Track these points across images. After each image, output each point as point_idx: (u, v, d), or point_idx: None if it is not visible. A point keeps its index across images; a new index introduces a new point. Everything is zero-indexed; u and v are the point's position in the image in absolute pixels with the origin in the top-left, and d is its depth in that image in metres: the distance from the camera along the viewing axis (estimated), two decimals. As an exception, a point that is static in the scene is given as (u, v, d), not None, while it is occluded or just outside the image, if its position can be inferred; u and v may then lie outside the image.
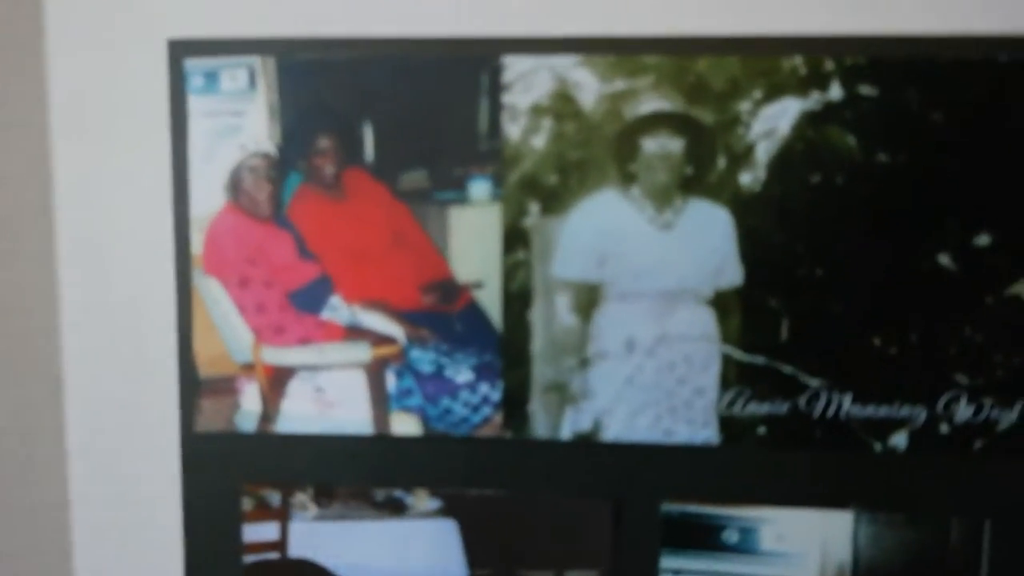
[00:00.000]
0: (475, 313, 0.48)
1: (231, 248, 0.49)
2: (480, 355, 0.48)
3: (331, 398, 0.49)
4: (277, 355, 0.49)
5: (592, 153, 0.47)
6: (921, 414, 0.46)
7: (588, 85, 0.46)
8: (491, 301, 0.48)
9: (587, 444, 0.48)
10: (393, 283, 0.49)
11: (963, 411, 0.46)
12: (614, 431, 0.48)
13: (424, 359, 0.49)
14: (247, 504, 0.50)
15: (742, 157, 0.46)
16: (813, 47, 0.45)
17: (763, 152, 0.46)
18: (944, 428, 0.46)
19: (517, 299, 0.48)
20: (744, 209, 0.46)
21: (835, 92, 0.45)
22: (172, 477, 0.50)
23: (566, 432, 0.48)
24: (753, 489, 0.48)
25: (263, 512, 0.50)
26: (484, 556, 0.49)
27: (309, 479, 0.50)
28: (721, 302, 0.47)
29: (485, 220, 0.48)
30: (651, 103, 0.46)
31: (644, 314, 0.47)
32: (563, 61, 0.46)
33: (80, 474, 0.51)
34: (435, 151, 0.48)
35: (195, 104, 0.48)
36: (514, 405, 0.48)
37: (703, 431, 0.48)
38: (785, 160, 0.46)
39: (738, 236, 0.47)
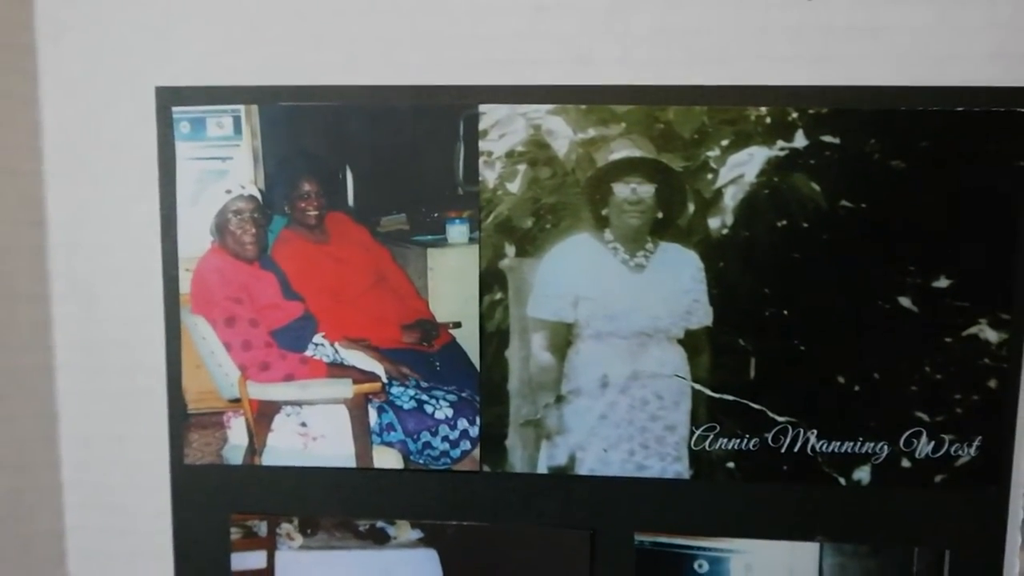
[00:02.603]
0: (454, 351, 0.50)
1: (218, 288, 0.51)
2: (459, 392, 0.50)
3: (315, 432, 0.51)
4: (263, 391, 0.51)
5: (566, 198, 0.49)
6: (884, 449, 0.48)
7: (561, 132, 0.48)
8: (469, 340, 0.50)
9: (563, 477, 0.50)
10: (375, 322, 0.50)
11: (924, 446, 0.48)
12: (589, 465, 0.50)
13: (405, 395, 0.51)
14: (235, 533, 0.52)
15: (710, 202, 0.48)
16: (778, 98, 0.47)
17: (730, 197, 0.48)
18: (906, 463, 0.48)
19: (494, 338, 0.50)
20: (713, 252, 0.48)
21: (799, 140, 0.47)
22: (163, 507, 0.52)
23: (542, 466, 0.50)
24: (723, 521, 0.49)
25: (250, 541, 0.52)
26: (463, 585, 0.51)
27: (295, 510, 0.52)
28: (691, 342, 0.49)
29: (463, 262, 0.49)
30: (622, 150, 0.48)
31: (617, 353, 0.49)
32: (537, 109, 0.48)
33: (75, 504, 0.53)
34: (414, 195, 0.49)
35: (182, 149, 0.50)
36: (492, 440, 0.50)
37: (675, 465, 0.49)
38: (752, 205, 0.48)
39: (707, 278, 0.48)
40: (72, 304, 0.52)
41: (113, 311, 0.51)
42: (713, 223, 0.48)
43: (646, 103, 0.47)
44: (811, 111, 0.47)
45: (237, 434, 0.51)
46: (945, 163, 0.46)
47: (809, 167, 0.47)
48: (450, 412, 0.50)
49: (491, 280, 0.49)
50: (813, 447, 0.48)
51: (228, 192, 0.50)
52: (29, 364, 0.52)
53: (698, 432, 0.49)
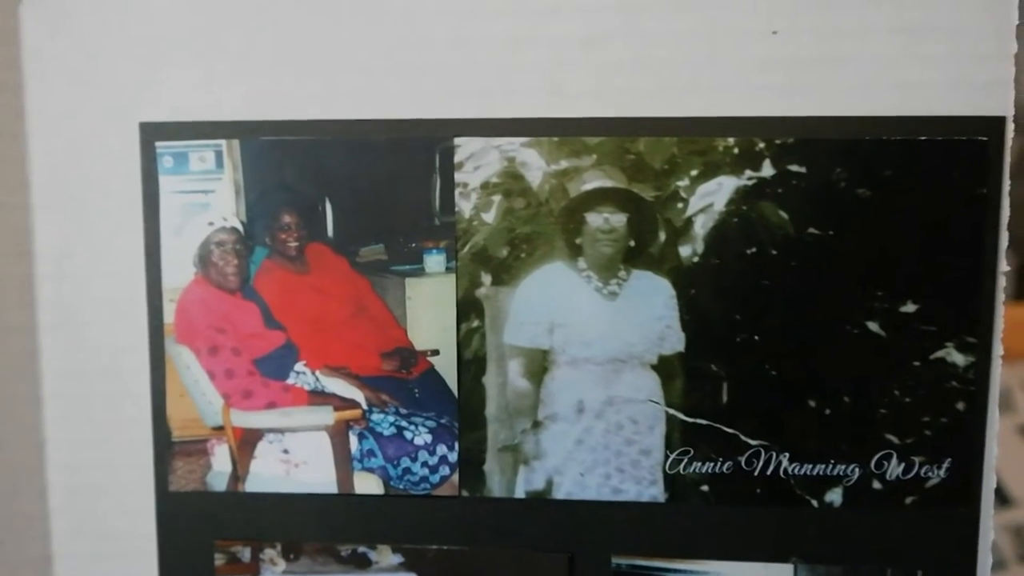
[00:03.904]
0: (432, 378, 0.51)
1: (201, 318, 0.52)
2: (438, 418, 0.51)
3: (297, 459, 0.52)
4: (246, 418, 0.52)
5: (540, 227, 0.50)
6: (855, 471, 0.49)
7: (535, 164, 0.49)
8: (447, 367, 0.51)
9: (540, 502, 0.51)
10: (355, 350, 0.51)
11: (894, 468, 0.49)
12: (566, 489, 0.51)
13: (385, 422, 0.52)
14: (219, 559, 0.52)
15: (681, 231, 0.49)
16: (745, 128, 0.48)
17: (700, 226, 0.49)
18: (877, 485, 0.49)
19: (472, 365, 0.51)
20: (684, 279, 0.49)
21: (767, 170, 0.48)
22: (148, 533, 0.53)
23: (520, 490, 0.51)
24: (698, 543, 0.50)
25: (234, 567, 0.53)
26: (444, 608, 0.52)
27: (277, 535, 0.52)
28: (664, 367, 0.50)
29: (440, 291, 0.50)
30: (594, 180, 0.49)
31: (592, 379, 0.50)
32: (511, 142, 0.49)
33: (62, 531, 0.54)
34: (392, 226, 0.51)
35: (166, 183, 0.51)
36: (470, 465, 0.51)
37: (650, 489, 0.50)
38: (721, 233, 0.49)
39: (679, 305, 0.49)
40: (59, 334, 0.53)
41: (99, 341, 0.53)
42: (684, 251, 0.49)
43: (617, 134, 0.48)
44: (778, 141, 0.48)
45: (221, 461, 0.52)
46: (910, 190, 0.47)
47: (777, 195, 0.48)
48: (429, 438, 0.51)
49: (468, 308, 0.50)
50: (785, 470, 0.49)
51: (210, 224, 0.51)
52: (17, 393, 0.53)
53: (672, 456, 0.50)
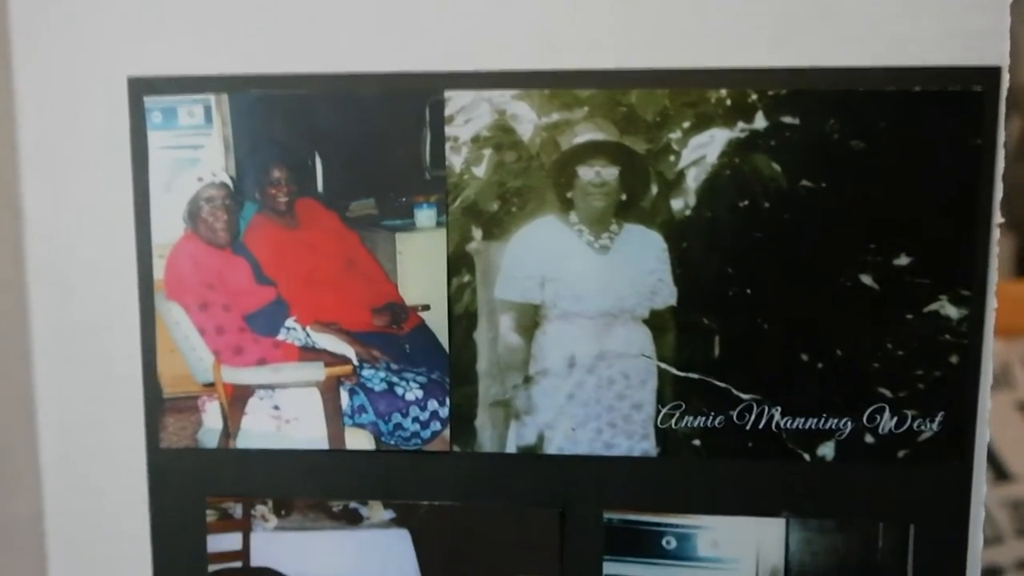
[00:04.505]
0: (423, 334, 0.51)
1: (191, 274, 0.52)
2: (429, 373, 0.51)
3: (288, 415, 0.52)
4: (236, 375, 0.52)
5: (531, 181, 0.49)
6: (847, 425, 0.49)
7: (526, 117, 0.49)
8: (438, 322, 0.50)
9: (531, 457, 0.51)
10: (345, 306, 0.51)
11: (887, 422, 0.49)
12: (557, 444, 0.50)
13: (376, 378, 0.51)
14: (210, 516, 0.52)
15: (673, 184, 0.49)
16: (738, 80, 0.47)
17: (693, 179, 0.48)
18: (869, 438, 0.49)
19: (463, 320, 0.50)
20: (676, 233, 0.49)
21: (759, 122, 0.48)
22: (140, 491, 0.53)
23: (511, 446, 0.51)
24: (690, 498, 0.50)
25: (226, 523, 0.52)
26: (436, 564, 0.51)
27: (269, 492, 0.52)
28: (656, 321, 0.49)
29: (431, 245, 0.50)
30: (586, 134, 0.49)
31: (584, 333, 0.50)
32: (502, 94, 0.49)
33: (54, 489, 0.54)
34: (382, 180, 0.50)
35: (154, 139, 0.51)
36: (462, 420, 0.51)
37: (641, 443, 0.50)
38: (714, 186, 0.48)
39: (671, 259, 0.49)
40: (49, 292, 0.53)
41: (89, 298, 0.52)
42: (676, 204, 0.49)
43: (608, 87, 0.48)
44: (771, 92, 0.47)
45: (212, 418, 0.52)
46: (904, 142, 0.47)
47: (769, 148, 0.48)
48: (420, 393, 0.51)
49: (459, 263, 0.50)
50: (777, 424, 0.49)
51: (200, 180, 0.51)
52: (7, 351, 0.53)
53: (664, 410, 0.50)
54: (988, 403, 0.48)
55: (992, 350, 0.48)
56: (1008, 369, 1.24)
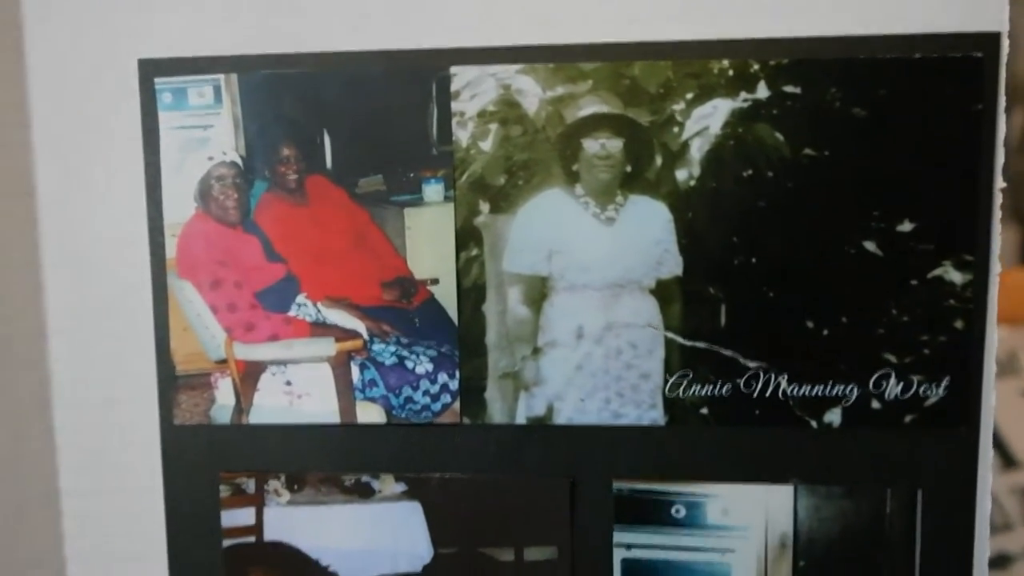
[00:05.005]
0: (433, 307, 0.51)
1: (202, 252, 0.52)
2: (438, 347, 0.51)
3: (300, 390, 0.52)
4: (248, 351, 0.52)
5: (537, 155, 0.50)
6: (853, 391, 0.49)
7: (531, 91, 0.49)
8: (447, 296, 0.51)
9: (541, 427, 0.51)
10: (355, 281, 0.52)
11: (893, 388, 0.49)
12: (566, 415, 0.51)
13: (386, 352, 0.52)
14: (224, 491, 0.53)
15: (677, 155, 0.49)
16: (739, 50, 0.48)
17: (697, 149, 0.49)
18: (876, 404, 0.49)
19: (471, 293, 0.51)
20: (681, 203, 0.49)
21: (762, 91, 0.48)
22: (154, 468, 0.53)
23: (521, 417, 0.51)
24: (698, 466, 0.50)
25: (239, 499, 0.53)
26: (448, 535, 0.52)
27: (281, 467, 0.53)
28: (663, 291, 0.50)
29: (439, 220, 0.51)
30: (590, 106, 0.49)
31: (591, 304, 0.50)
32: (507, 69, 0.49)
33: (68, 466, 0.54)
34: (390, 156, 0.51)
35: (165, 119, 0.52)
36: (471, 393, 0.51)
37: (650, 413, 0.50)
38: (718, 156, 0.49)
39: (676, 229, 0.49)
40: (62, 271, 0.53)
41: (102, 277, 0.53)
42: (681, 175, 0.49)
43: (612, 59, 0.49)
44: (772, 62, 0.48)
45: (224, 394, 0.53)
46: (905, 109, 0.47)
47: (772, 117, 0.48)
48: (430, 367, 0.51)
49: (467, 237, 0.51)
50: (784, 391, 0.50)
51: (210, 159, 0.52)
52: (23, 330, 0.54)
53: (672, 379, 0.50)
54: (993, 367, 0.49)
55: (996, 314, 0.48)
56: (1014, 356, 1.24)
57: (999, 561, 1.12)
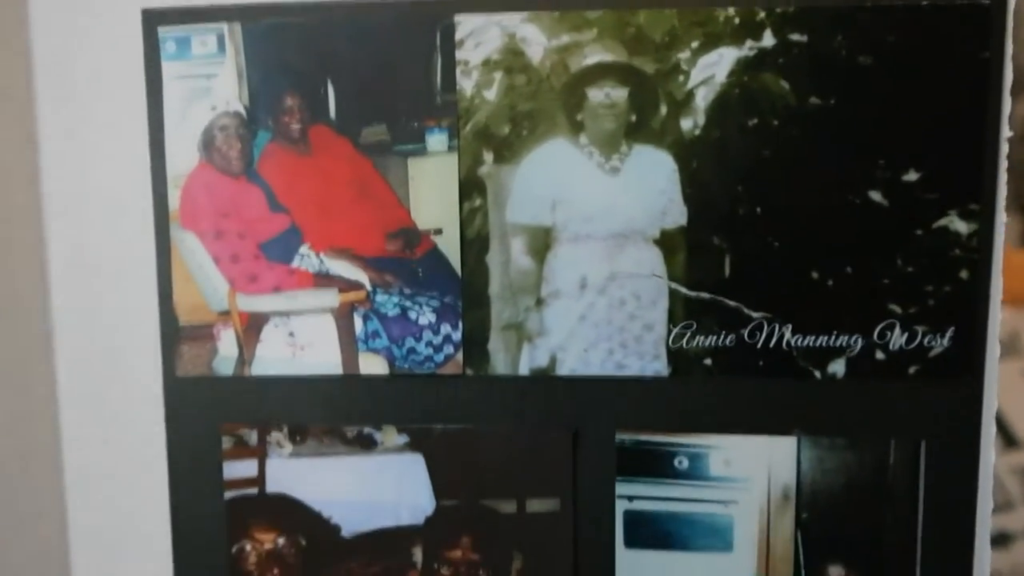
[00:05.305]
0: (436, 258, 0.51)
1: (206, 203, 0.52)
2: (441, 298, 0.51)
3: (303, 341, 0.52)
4: (251, 302, 0.52)
5: (541, 104, 0.50)
6: (858, 342, 0.49)
7: (535, 40, 0.49)
8: (451, 246, 0.51)
9: (544, 379, 0.51)
10: (358, 232, 0.52)
11: (897, 338, 0.49)
12: (569, 366, 0.51)
13: (389, 303, 0.52)
14: (226, 443, 0.53)
15: (682, 104, 0.49)
16: (745, -4, 0.48)
17: (702, 99, 0.49)
18: (880, 355, 0.49)
19: (475, 244, 0.51)
20: (686, 153, 0.49)
21: (767, 40, 0.48)
22: (156, 419, 0.53)
23: (524, 368, 0.51)
24: (701, 418, 0.50)
25: (241, 450, 0.53)
26: (450, 487, 0.52)
27: (284, 418, 0.53)
28: (667, 241, 0.50)
29: (443, 170, 0.50)
30: (595, 55, 0.49)
31: (595, 255, 0.50)
32: (511, 17, 0.49)
33: (71, 418, 0.54)
34: (394, 106, 0.51)
35: (168, 69, 0.52)
36: (474, 344, 0.51)
37: (653, 364, 0.50)
38: (723, 106, 0.49)
39: (681, 179, 0.49)
40: (65, 221, 0.53)
41: (105, 229, 0.53)
42: (685, 124, 0.49)
43: (616, 7, 0.48)
44: (778, 10, 0.48)
45: (227, 346, 0.53)
46: (911, 57, 0.47)
47: (778, 66, 0.48)
48: (433, 318, 0.51)
49: (470, 187, 0.50)
50: (788, 342, 0.49)
51: (213, 109, 0.52)
52: (23, 281, 0.54)
53: (675, 330, 0.50)
54: (998, 317, 0.48)
55: (1001, 264, 0.48)
56: (1016, 337, 1.24)
57: (1000, 540, 1.12)
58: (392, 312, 0.52)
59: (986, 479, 0.49)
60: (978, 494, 0.49)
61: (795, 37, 0.48)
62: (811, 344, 0.49)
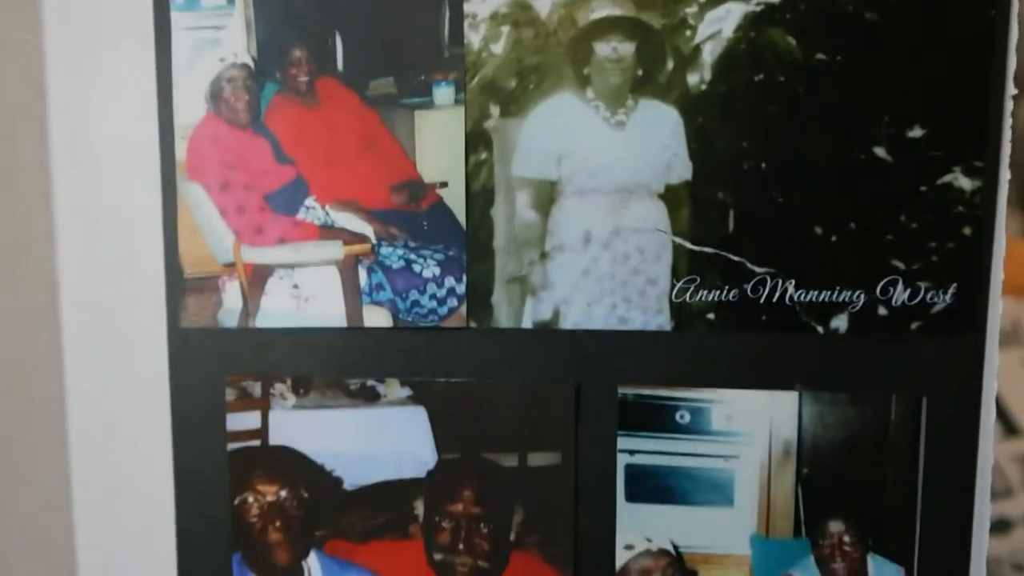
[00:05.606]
0: (441, 211, 0.51)
1: (213, 154, 0.52)
2: (446, 251, 0.51)
3: (307, 293, 0.52)
4: (256, 254, 0.53)
5: (548, 58, 0.50)
6: (860, 298, 0.49)
7: (543, -8, 0.49)
8: (456, 199, 0.51)
9: (547, 332, 0.51)
10: (364, 184, 0.52)
11: (900, 294, 0.49)
12: (573, 319, 0.51)
13: (393, 255, 0.52)
14: (230, 394, 0.53)
15: (689, 59, 0.49)
16: (753, -50, 0.48)
17: (708, 53, 0.49)
18: (882, 311, 0.49)
19: (480, 197, 0.51)
20: (692, 108, 0.49)
21: (774, -7, 0.48)
22: (160, 371, 0.53)
23: (527, 321, 0.51)
24: (704, 372, 0.51)
25: (245, 402, 0.53)
26: (452, 440, 0.52)
27: (287, 370, 0.53)
28: (671, 196, 0.50)
29: (449, 123, 0.51)
30: (602, 9, 0.49)
31: (599, 209, 0.50)
32: (519, -30, 0.49)
33: (75, 369, 0.55)
34: (401, 59, 0.51)
35: (177, 20, 0.52)
36: (478, 297, 0.51)
37: (656, 318, 0.50)
38: (729, 61, 0.49)
39: (686, 133, 0.49)
40: (72, 173, 0.53)
41: (112, 179, 0.53)
42: (692, 79, 0.49)
43: (625, -40, 0.49)
44: (786, -35, 0.48)
45: (232, 297, 0.53)
46: (918, 14, 0.47)
47: (785, 21, 0.48)
48: (437, 271, 0.51)
49: (476, 140, 0.51)
50: (791, 297, 0.50)
51: (222, 60, 0.52)
52: (30, 232, 0.54)
53: (679, 284, 0.50)
54: (1000, 274, 0.49)
55: (1005, 220, 0.48)
56: (1018, 326, 1.24)
57: (999, 526, 1.12)
58: (396, 265, 0.52)
59: (986, 434, 0.49)
60: (978, 449, 0.49)
61: (802, -8, 0.48)
62: (814, 299, 0.49)
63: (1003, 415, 1.20)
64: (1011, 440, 1.18)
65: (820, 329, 0.50)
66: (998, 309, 0.49)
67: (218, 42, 0.52)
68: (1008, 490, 1.15)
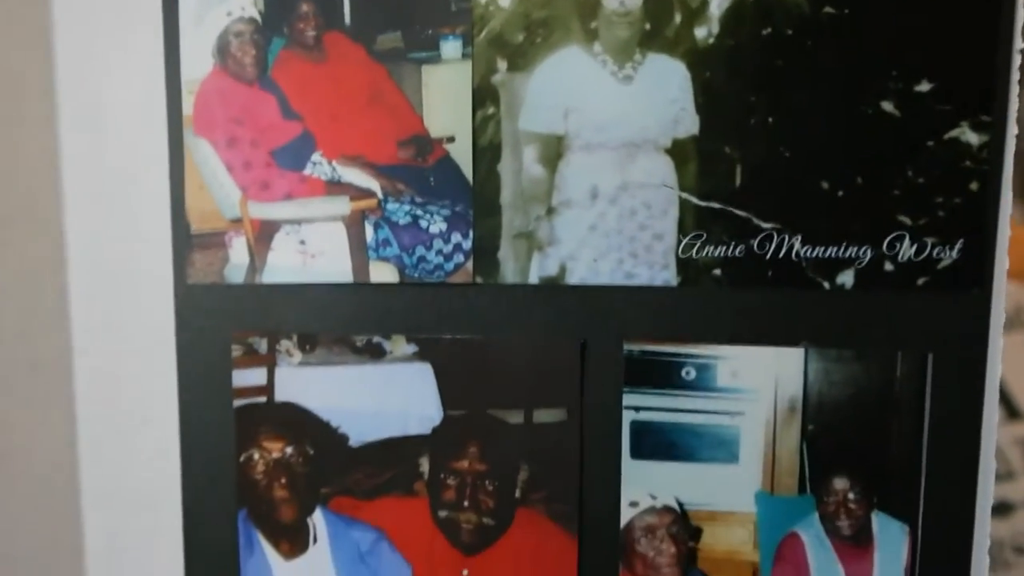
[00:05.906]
0: (448, 166, 0.51)
1: (219, 109, 0.52)
2: (452, 206, 0.51)
3: (314, 249, 0.52)
4: (263, 210, 0.53)
5: (556, 12, 0.50)
6: (867, 253, 0.49)
7: (551, -54, 0.49)
8: (463, 154, 0.51)
9: (553, 287, 0.51)
10: (371, 139, 0.52)
11: (906, 250, 0.49)
12: (579, 275, 0.51)
13: (400, 211, 0.52)
14: (236, 351, 0.53)
15: (696, 12, 0.49)
16: (761, -97, 0.48)
17: (716, 7, 0.49)
18: (888, 266, 0.49)
19: (487, 152, 0.51)
20: (699, 62, 0.49)
21: (783, -54, 0.48)
22: (167, 326, 0.53)
23: (534, 276, 0.51)
24: (709, 328, 0.51)
25: (251, 358, 0.53)
26: (458, 397, 0.52)
27: (293, 327, 0.53)
28: (678, 151, 0.50)
29: (456, 78, 0.51)
30: (610, -38, 0.49)
31: (606, 164, 0.50)
32: (527, -77, 0.49)
33: (81, 325, 0.54)
34: (409, 13, 0.51)
35: (185, -27, 0.52)
36: (485, 253, 0.51)
37: (662, 273, 0.50)
38: (737, 14, 0.49)
39: (694, 88, 0.49)
40: (79, 128, 0.53)
41: (118, 135, 0.53)
42: (699, 33, 0.49)
43: (633, -86, 0.49)
44: (794, -82, 0.48)
45: (238, 253, 0.53)
46: (926, -33, 0.47)
47: (793, -25, 0.48)
48: (444, 226, 0.51)
49: (484, 95, 0.51)
50: (798, 252, 0.50)
51: (229, 15, 0.52)
52: (37, 188, 0.54)
53: (685, 240, 0.50)
54: (1008, 231, 0.49)
55: (1012, 175, 0.48)
56: (1021, 310, 1.24)
57: (1001, 509, 1.12)
58: (403, 220, 0.52)
59: (992, 391, 0.49)
60: (984, 406, 0.49)
61: (810, -54, 0.48)
62: (820, 255, 0.49)
63: (1006, 398, 1.20)
64: (1014, 423, 1.18)
65: (826, 285, 0.50)
66: (1004, 265, 0.49)
67: (225, -4, 0.52)
68: (1010, 473, 1.15)
